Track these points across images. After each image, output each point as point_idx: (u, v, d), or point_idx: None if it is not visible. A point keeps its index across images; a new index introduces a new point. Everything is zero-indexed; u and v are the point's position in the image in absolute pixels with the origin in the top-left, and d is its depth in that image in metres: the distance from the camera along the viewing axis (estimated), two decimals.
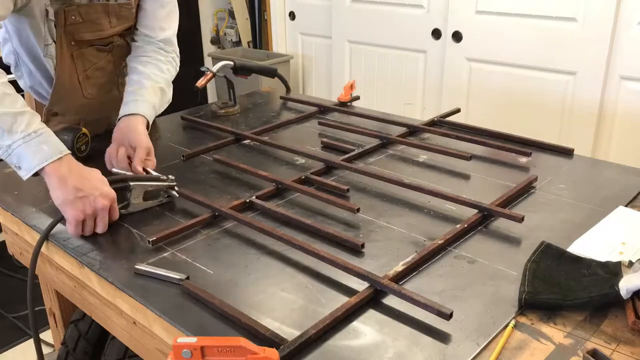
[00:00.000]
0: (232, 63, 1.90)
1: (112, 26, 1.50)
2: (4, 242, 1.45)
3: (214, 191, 1.33)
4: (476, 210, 1.18)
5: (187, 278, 0.97)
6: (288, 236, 1.08)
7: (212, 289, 0.95)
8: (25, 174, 1.13)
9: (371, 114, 1.81)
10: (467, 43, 2.70)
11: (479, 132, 1.65)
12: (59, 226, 1.18)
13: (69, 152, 1.16)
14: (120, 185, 1.20)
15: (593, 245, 1.06)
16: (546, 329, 0.86)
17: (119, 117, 1.43)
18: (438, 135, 1.63)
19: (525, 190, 1.29)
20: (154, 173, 1.30)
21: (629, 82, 2.29)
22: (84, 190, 1.10)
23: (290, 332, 0.85)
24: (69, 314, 1.55)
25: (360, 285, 0.95)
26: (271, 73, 2.02)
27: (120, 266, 1.04)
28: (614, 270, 0.94)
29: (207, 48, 4.16)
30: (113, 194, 1.14)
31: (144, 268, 1.01)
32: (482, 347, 0.82)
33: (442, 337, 0.85)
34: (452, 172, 1.42)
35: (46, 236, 1.13)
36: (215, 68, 1.82)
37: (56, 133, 1.19)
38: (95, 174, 1.16)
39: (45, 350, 2.00)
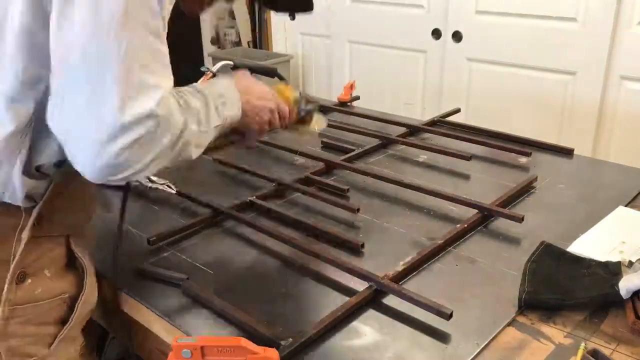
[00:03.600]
0: (232, 63, 1.90)
1: None
2: None
3: (214, 191, 1.33)
4: (476, 210, 1.18)
5: (187, 278, 0.97)
6: (288, 236, 1.08)
7: (212, 289, 0.96)
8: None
9: (371, 114, 1.81)
10: (467, 43, 2.70)
11: (479, 132, 1.65)
12: None
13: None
14: None
15: (593, 245, 1.06)
16: (546, 329, 0.86)
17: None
18: (438, 135, 1.62)
19: (525, 190, 1.29)
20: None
21: (629, 82, 2.28)
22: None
23: (290, 332, 0.85)
24: None
25: (360, 285, 0.95)
26: (271, 73, 2.02)
27: (120, 266, 1.04)
28: (614, 270, 0.94)
29: (207, 48, 4.15)
30: None
31: (144, 268, 1.01)
32: (482, 347, 0.82)
33: (442, 337, 0.85)
34: (452, 172, 1.41)
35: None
36: (215, 68, 1.82)
37: None
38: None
39: None
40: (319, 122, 1.21)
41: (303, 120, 1.17)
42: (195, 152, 0.85)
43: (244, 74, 1.05)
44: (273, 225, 1.15)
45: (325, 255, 1.01)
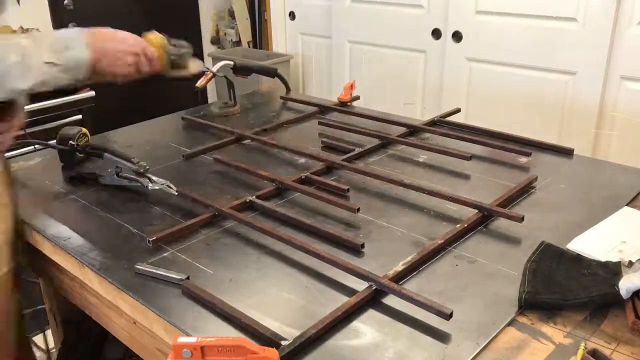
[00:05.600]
0: (232, 63, 1.90)
1: None
2: None
3: (214, 191, 1.33)
4: (476, 210, 1.18)
5: (187, 278, 0.97)
6: (288, 236, 1.08)
7: (212, 289, 0.95)
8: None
9: (371, 114, 1.81)
10: (467, 43, 2.70)
11: (479, 132, 1.65)
12: (59, 227, 1.18)
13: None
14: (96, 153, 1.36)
15: (593, 245, 1.06)
16: (546, 329, 0.86)
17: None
18: (438, 135, 1.63)
19: (525, 190, 1.29)
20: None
21: (629, 82, 2.28)
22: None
23: (290, 332, 0.85)
24: (69, 314, 1.55)
25: (360, 285, 0.95)
26: (271, 73, 2.02)
27: (120, 266, 1.04)
28: (614, 270, 0.94)
29: (207, 48, 4.16)
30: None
31: (144, 268, 1.01)
32: (482, 347, 0.82)
33: (442, 337, 0.85)
34: (452, 172, 1.42)
35: None
36: (215, 68, 1.82)
37: (59, 131, 1.34)
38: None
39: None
40: (193, 66, 1.34)
41: (178, 66, 1.29)
42: (22, 84, 0.97)
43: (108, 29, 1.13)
44: (273, 225, 1.15)
45: (325, 255, 1.01)
